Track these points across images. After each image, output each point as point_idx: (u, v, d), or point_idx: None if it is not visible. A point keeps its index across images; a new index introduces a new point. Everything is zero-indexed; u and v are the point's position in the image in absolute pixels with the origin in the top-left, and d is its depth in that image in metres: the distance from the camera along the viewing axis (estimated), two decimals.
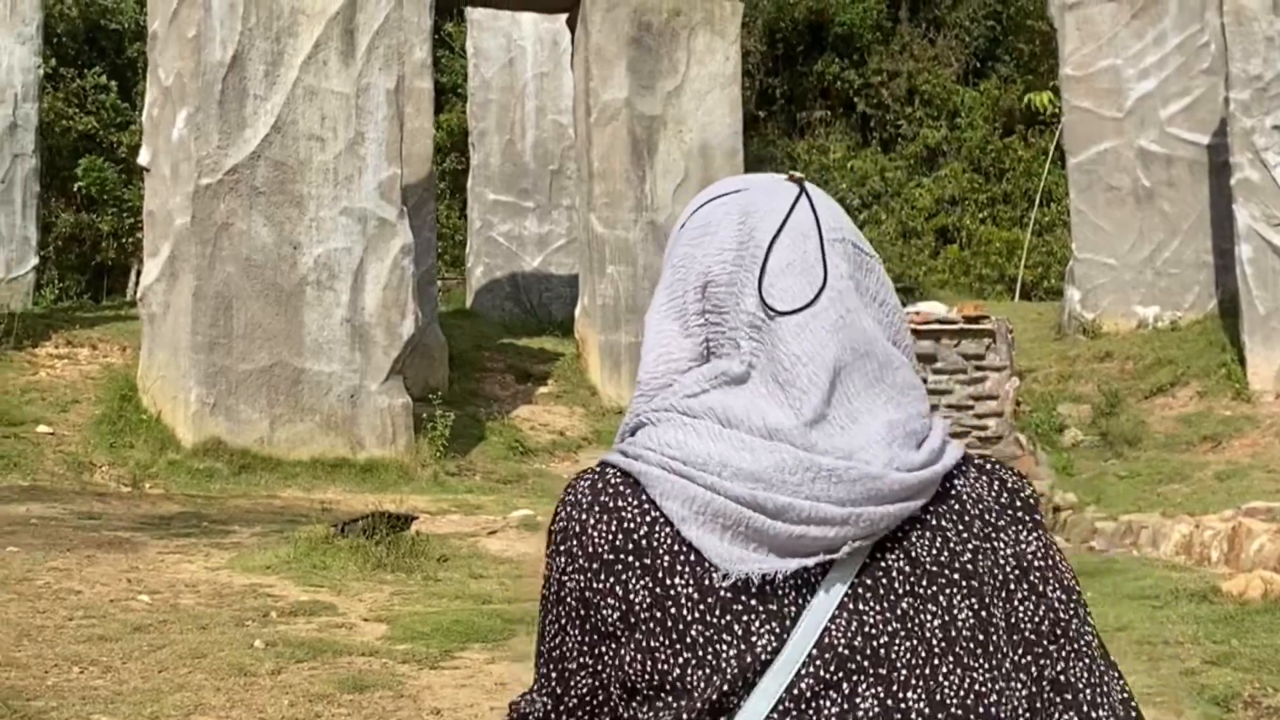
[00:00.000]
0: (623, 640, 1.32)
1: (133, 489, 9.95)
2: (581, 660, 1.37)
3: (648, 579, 1.31)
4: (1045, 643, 1.34)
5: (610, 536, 1.34)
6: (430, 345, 13.49)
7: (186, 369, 10.70)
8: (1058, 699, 1.34)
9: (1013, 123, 31.49)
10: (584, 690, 1.38)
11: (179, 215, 10.83)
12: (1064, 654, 1.35)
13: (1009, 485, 1.39)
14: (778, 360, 1.34)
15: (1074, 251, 16.77)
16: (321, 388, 11.08)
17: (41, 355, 12.62)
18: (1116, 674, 1.37)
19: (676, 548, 1.31)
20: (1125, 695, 1.36)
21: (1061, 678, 1.34)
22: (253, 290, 10.89)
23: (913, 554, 1.32)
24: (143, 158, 11.43)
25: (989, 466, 1.40)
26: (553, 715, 1.40)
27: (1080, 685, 1.34)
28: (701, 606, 1.29)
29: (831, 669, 1.27)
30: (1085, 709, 1.34)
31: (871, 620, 1.29)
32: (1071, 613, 1.35)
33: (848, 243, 1.40)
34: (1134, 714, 1.35)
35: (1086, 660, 1.35)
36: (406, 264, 11.51)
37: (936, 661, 1.29)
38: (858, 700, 1.26)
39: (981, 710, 1.28)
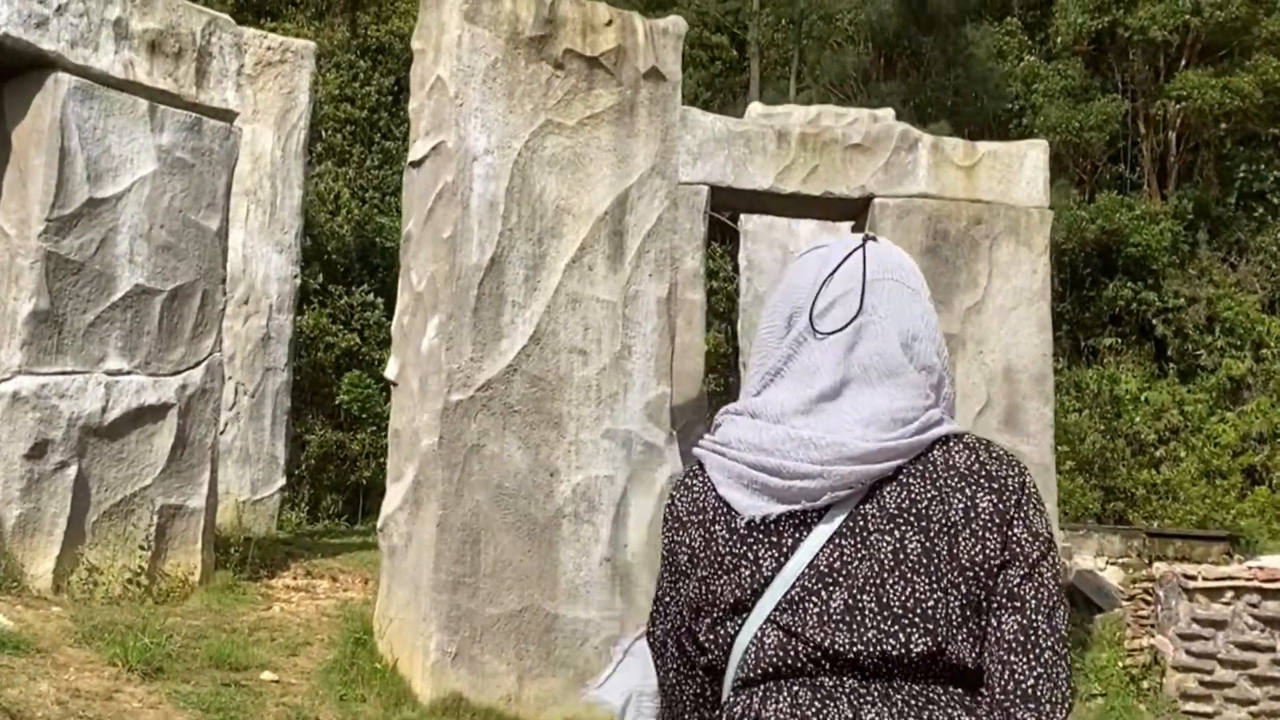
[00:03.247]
0: (689, 575, 1.95)
1: None
2: (671, 594, 2.00)
3: (702, 530, 1.94)
4: (979, 571, 1.85)
5: (685, 504, 1.98)
6: None
7: (427, 611, 9.37)
8: (1007, 603, 1.87)
9: None
10: (672, 613, 1.99)
11: (425, 435, 9.63)
12: (1010, 585, 1.88)
13: (981, 459, 1.92)
14: (803, 366, 1.96)
15: None
16: (576, 637, 9.62)
17: (278, 587, 11.51)
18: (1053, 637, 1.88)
19: (717, 504, 1.94)
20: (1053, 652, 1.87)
21: (1011, 594, 1.88)
22: (503, 522, 9.57)
23: (881, 503, 1.88)
24: (390, 371, 10.34)
25: (976, 444, 1.94)
26: (667, 636, 2.01)
27: (1013, 624, 1.87)
28: (730, 541, 1.90)
29: (814, 582, 1.84)
30: (1012, 640, 1.86)
31: (847, 550, 1.86)
32: (1020, 566, 1.87)
33: (890, 281, 1.98)
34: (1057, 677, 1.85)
35: (1030, 608, 1.86)
36: None
37: (886, 575, 1.83)
38: (830, 602, 1.83)
39: (920, 610, 1.81)
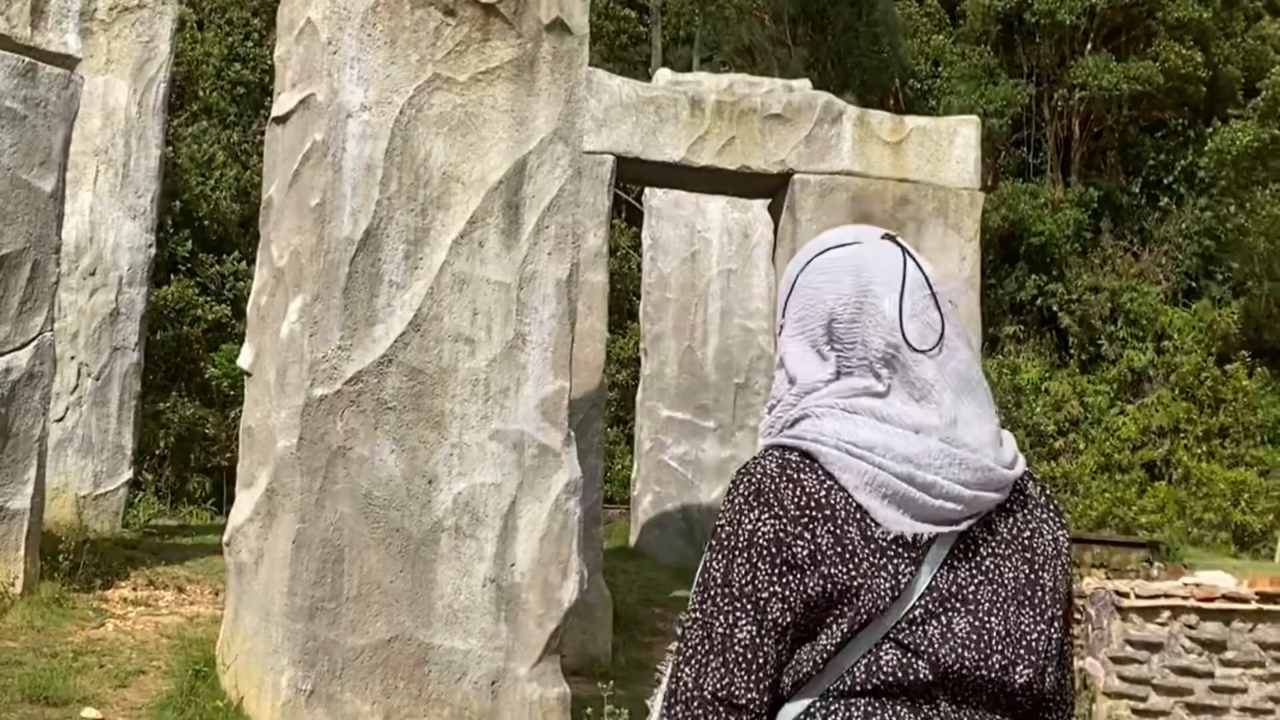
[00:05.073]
0: (808, 571, 1.82)
1: None
2: (773, 590, 1.82)
3: (830, 525, 1.84)
4: (1064, 605, 1.94)
5: (797, 498, 1.85)
6: (592, 603, 10.74)
7: (279, 641, 8.04)
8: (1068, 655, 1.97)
9: (1229, 349, 28.49)
10: (777, 612, 1.82)
11: (282, 435, 8.28)
12: (1070, 625, 1.97)
13: (1047, 491, 2.03)
14: (911, 383, 1.92)
15: None
16: (454, 671, 8.34)
17: (114, 600, 10.09)
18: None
19: (849, 507, 1.85)
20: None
21: (1067, 642, 1.98)
22: (372, 537, 8.26)
23: (993, 528, 1.92)
24: (244, 358, 8.97)
25: (1035, 476, 2.02)
26: (759, 637, 1.83)
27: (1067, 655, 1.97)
28: (867, 549, 1.83)
29: (934, 605, 1.84)
30: (1071, 669, 1.97)
31: (962, 574, 1.87)
32: (1071, 609, 1.99)
33: (944, 297, 1.99)
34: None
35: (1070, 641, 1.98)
36: (571, 506, 8.83)
37: (1007, 601, 1.87)
38: (954, 625, 1.83)
39: (1030, 641, 1.87)
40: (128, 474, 12.91)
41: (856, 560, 1.83)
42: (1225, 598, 11.70)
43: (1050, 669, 1.91)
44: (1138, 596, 11.71)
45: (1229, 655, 11.53)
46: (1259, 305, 28.49)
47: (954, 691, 1.84)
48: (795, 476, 1.87)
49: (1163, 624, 11.60)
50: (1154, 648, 11.52)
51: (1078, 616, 12.22)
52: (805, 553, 1.83)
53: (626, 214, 25.50)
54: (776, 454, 1.91)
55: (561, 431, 8.92)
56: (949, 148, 12.34)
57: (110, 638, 9.23)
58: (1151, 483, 27.11)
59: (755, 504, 1.86)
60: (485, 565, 8.53)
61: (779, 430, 1.96)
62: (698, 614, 1.87)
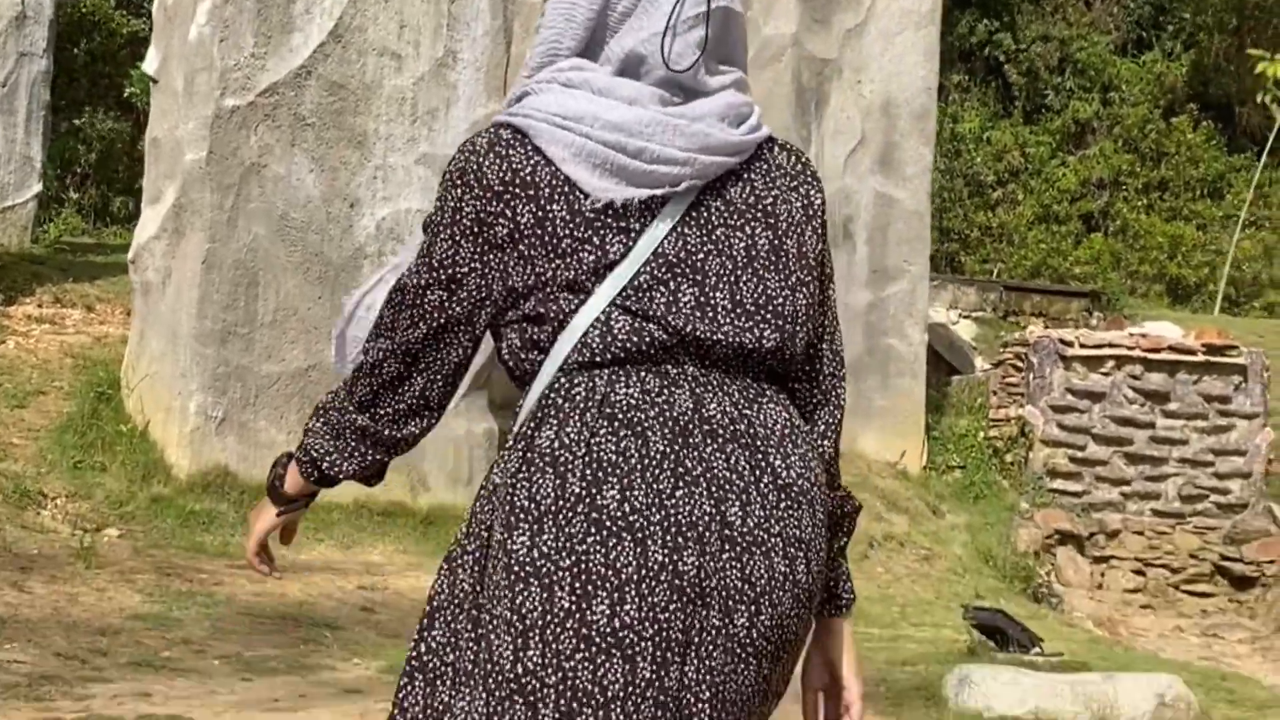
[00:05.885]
0: (508, 251, 1.85)
1: (90, 538, 6.88)
2: (472, 266, 1.87)
3: (531, 205, 1.83)
4: (819, 268, 1.98)
5: (502, 173, 1.84)
6: None
7: (187, 366, 7.62)
8: (822, 318, 2.02)
9: (1176, 101, 28.08)
10: (473, 286, 1.87)
11: (190, 148, 7.72)
12: (827, 288, 2.02)
13: (802, 159, 2.00)
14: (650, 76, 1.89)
15: None
16: None
17: (17, 317, 9.59)
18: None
19: (555, 182, 1.83)
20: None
21: (824, 305, 2.01)
22: (289, 261, 7.79)
23: (727, 196, 1.90)
24: (149, 63, 8.35)
25: (789, 145, 2.00)
26: (447, 301, 1.88)
27: (830, 317, 2.03)
28: (571, 224, 1.82)
29: (661, 271, 1.83)
30: (831, 332, 2.04)
31: (692, 241, 1.86)
32: (829, 265, 2.02)
33: (723, 9, 1.89)
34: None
35: (833, 303, 2.04)
36: None
37: (739, 272, 1.87)
38: (679, 295, 1.83)
39: (771, 307, 1.88)
40: (36, 187, 12.28)
41: (558, 237, 1.83)
42: (1171, 349, 11.52)
43: (800, 333, 1.93)
44: (1082, 345, 11.51)
45: (1171, 406, 11.40)
46: (1208, 58, 28.01)
47: (698, 355, 1.86)
48: (503, 152, 1.86)
49: (1106, 374, 11.43)
50: (1095, 397, 11.38)
51: (1019, 364, 12.03)
52: (505, 232, 1.84)
53: None
54: (491, 131, 1.90)
55: None
56: None
57: (10, 355, 8.78)
58: (1088, 234, 26.99)
59: (459, 183, 1.87)
60: None
61: (505, 107, 1.96)
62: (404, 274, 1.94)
